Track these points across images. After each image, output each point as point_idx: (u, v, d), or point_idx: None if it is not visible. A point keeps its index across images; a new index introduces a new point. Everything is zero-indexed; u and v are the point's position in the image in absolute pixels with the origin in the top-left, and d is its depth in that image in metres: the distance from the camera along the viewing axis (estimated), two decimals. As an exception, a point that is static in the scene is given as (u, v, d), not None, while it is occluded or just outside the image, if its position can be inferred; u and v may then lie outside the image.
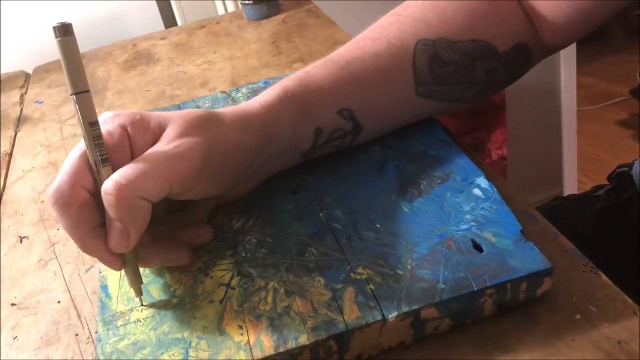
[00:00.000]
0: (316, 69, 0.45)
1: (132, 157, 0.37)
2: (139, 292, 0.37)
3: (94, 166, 0.35)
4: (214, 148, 0.37)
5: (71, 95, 0.35)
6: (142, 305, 0.37)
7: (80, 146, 0.36)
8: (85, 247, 0.35)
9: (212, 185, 0.38)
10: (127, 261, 0.37)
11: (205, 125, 0.38)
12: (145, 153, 0.36)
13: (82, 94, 0.35)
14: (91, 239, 0.35)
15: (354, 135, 0.45)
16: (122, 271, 0.38)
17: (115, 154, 0.36)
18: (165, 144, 0.36)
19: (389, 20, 0.48)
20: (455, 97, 0.47)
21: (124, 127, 0.37)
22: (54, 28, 0.34)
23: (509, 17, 0.47)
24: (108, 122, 0.37)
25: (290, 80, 0.44)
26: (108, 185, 0.33)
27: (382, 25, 0.48)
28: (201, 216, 0.42)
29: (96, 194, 0.35)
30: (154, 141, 0.37)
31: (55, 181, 0.35)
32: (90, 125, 0.35)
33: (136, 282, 0.37)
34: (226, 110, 0.41)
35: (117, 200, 0.33)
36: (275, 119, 0.41)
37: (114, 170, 0.35)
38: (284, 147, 0.43)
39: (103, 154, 0.35)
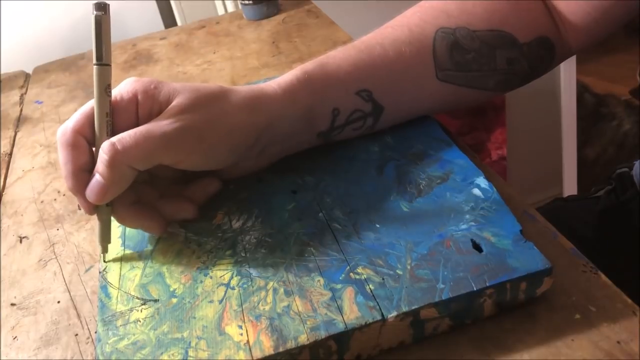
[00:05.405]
0: (336, 53, 0.46)
1: (137, 121, 0.40)
2: (104, 250, 0.41)
3: (97, 128, 0.39)
4: (213, 127, 0.40)
5: (94, 65, 0.39)
6: (104, 261, 0.41)
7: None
8: (68, 184, 0.39)
9: (208, 160, 0.41)
10: (101, 213, 0.40)
11: (210, 103, 0.40)
12: (146, 125, 0.38)
13: (102, 65, 0.40)
14: (74, 178, 0.39)
15: (374, 117, 0.46)
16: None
17: (120, 116, 0.40)
18: (165, 119, 0.39)
19: (411, 10, 0.50)
20: (476, 84, 0.48)
21: (135, 94, 0.40)
22: (94, 4, 0.39)
23: (529, 10, 0.49)
24: (126, 85, 0.41)
25: (309, 62, 0.45)
26: (106, 146, 0.38)
27: (404, 14, 0.50)
28: (198, 196, 0.43)
29: (93, 144, 0.40)
30: (160, 111, 0.40)
31: (66, 121, 0.40)
32: (105, 92, 0.39)
33: (105, 239, 0.41)
34: (241, 88, 0.43)
35: (109, 161, 0.37)
36: (291, 99, 0.43)
37: (114, 130, 0.39)
38: (298, 127, 0.44)
39: (108, 121, 0.39)
